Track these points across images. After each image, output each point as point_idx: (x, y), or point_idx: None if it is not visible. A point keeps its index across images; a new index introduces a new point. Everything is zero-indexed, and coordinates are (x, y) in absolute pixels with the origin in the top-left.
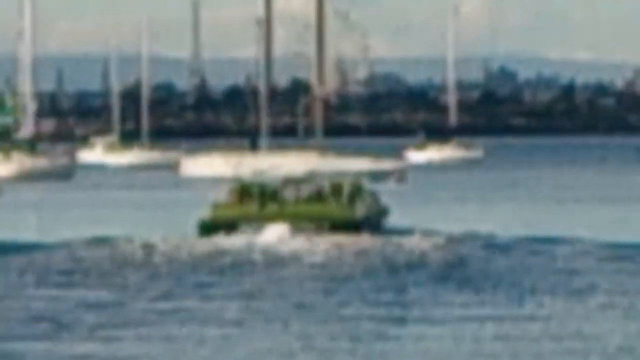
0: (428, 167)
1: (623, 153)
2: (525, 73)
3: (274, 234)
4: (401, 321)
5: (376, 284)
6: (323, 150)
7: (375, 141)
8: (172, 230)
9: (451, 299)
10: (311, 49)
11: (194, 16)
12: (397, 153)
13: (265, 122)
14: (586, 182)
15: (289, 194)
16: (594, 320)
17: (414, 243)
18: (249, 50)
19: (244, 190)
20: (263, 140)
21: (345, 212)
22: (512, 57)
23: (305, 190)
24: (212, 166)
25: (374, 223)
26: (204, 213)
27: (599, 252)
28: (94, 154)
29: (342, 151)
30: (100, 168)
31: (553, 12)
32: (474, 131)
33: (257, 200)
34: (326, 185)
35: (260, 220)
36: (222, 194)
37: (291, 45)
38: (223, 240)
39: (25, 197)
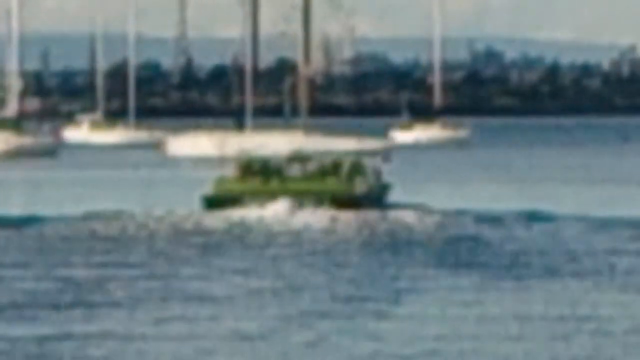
0: (414, 147)
1: (608, 134)
2: (510, 53)
3: (276, 209)
4: (392, 300)
5: (366, 258)
6: (308, 129)
7: (360, 121)
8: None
9: (445, 277)
10: (297, 29)
11: None
12: (382, 133)
13: (250, 101)
14: (571, 162)
15: (293, 170)
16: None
17: (410, 219)
18: (235, 30)
19: (249, 166)
20: (248, 120)
21: (345, 188)
22: (498, 37)
23: (311, 166)
24: (198, 145)
25: (375, 199)
26: (209, 188)
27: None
28: (79, 133)
29: (327, 131)
30: (85, 147)
31: None
32: (459, 111)
33: (261, 176)
34: (331, 162)
35: (262, 196)
36: (205, 173)
37: (277, 25)
38: (225, 215)
39: (11, 175)
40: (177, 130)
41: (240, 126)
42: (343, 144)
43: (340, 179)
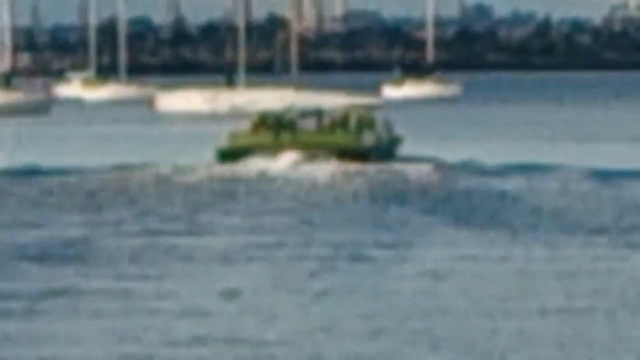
0: (405, 103)
1: (599, 89)
2: (501, 9)
3: (285, 162)
4: (382, 245)
5: (360, 210)
6: (299, 86)
7: (351, 77)
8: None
9: (440, 228)
10: None
11: None
12: (374, 89)
13: (242, 57)
14: (563, 118)
15: (307, 124)
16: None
17: (415, 171)
18: None
19: (264, 120)
20: (240, 76)
21: (352, 141)
22: None
23: (324, 120)
24: (189, 101)
25: (384, 151)
26: (223, 141)
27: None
28: (70, 89)
29: (318, 87)
30: (76, 103)
31: None
32: (450, 67)
33: (273, 129)
34: (341, 116)
35: (273, 149)
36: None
37: None
38: (236, 167)
39: (2, 130)
40: (169, 86)
41: (231, 83)
42: (334, 100)
43: (348, 132)
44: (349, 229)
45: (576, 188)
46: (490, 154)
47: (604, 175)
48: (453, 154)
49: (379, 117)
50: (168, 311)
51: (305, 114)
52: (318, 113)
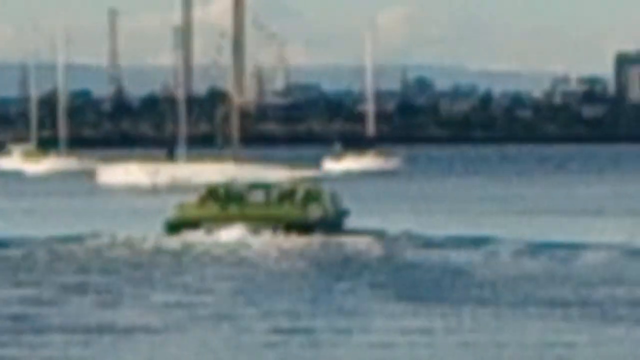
0: (345, 177)
1: (540, 163)
2: (442, 83)
3: (232, 234)
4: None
5: (298, 285)
6: (240, 159)
7: (293, 151)
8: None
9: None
10: (229, 58)
11: (111, 23)
12: (314, 162)
13: (182, 130)
14: (504, 192)
15: (256, 196)
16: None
17: (360, 244)
18: (167, 58)
19: (213, 192)
20: (181, 149)
21: (299, 214)
22: (430, 67)
23: (272, 193)
24: (129, 174)
25: (331, 224)
26: (171, 213)
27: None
28: (10, 161)
29: (259, 160)
30: (16, 175)
31: (471, 23)
32: (391, 141)
33: (221, 201)
34: (288, 189)
35: (221, 221)
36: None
37: (209, 54)
38: (183, 239)
39: None
40: (109, 159)
41: (171, 156)
42: (275, 174)
43: (295, 205)
44: (290, 302)
45: (513, 260)
46: (432, 226)
47: (540, 248)
48: (396, 227)
49: (326, 190)
50: None
51: (253, 187)
52: (266, 186)
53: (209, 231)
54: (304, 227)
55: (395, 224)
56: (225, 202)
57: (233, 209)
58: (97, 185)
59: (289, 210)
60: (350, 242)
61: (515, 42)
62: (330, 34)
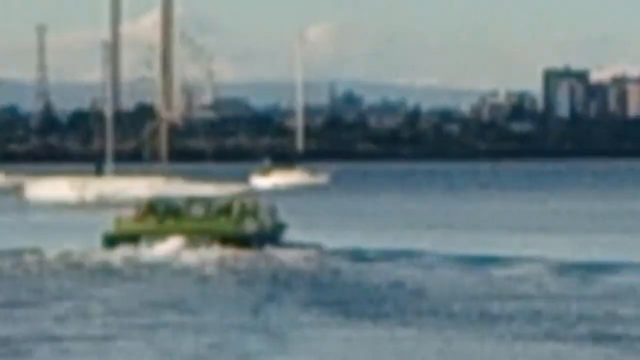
0: (273, 192)
1: (470, 179)
2: (370, 98)
3: (169, 248)
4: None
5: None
6: (168, 174)
7: (221, 166)
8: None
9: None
10: (157, 74)
11: (39, 39)
12: (242, 178)
13: (110, 146)
14: (431, 207)
15: (194, 211)
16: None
17: (292, 258)
18: (95, 74)
19: (151, 207)
20: (108, 165)
21: (234, 228)
22: (358, 82)
23: (214, 207)
24: (57, 190)
25: (268, 238)
26: (109, 227)
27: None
28: None
29: (187, 176)
30: None
31: (399, 39)
32: (320, 156)
33: (158, 216)
34: (226, 203)
35: (158, 235)
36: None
37: (137, 70)
38: (121, 253)
39: None
40: (37, 174)
41: (99, 171)
42: (202, 190)
43: (231, 219)
44: (219, 315)
45: (442, 274)
46: (363, 241)
47: (468, 262)
48: (327, 242)
49: (263, 204)
50: None
51: (192, 201)
52: (205, 200)
53: (148, 245)
54: (240, 241)
55: (326, 239)
56: (163, 216)
57: (171, 223)
58: (24, 200)
59: (225, 224)
60: (286, 256)
61: (444, 57)
62: (258, 49)
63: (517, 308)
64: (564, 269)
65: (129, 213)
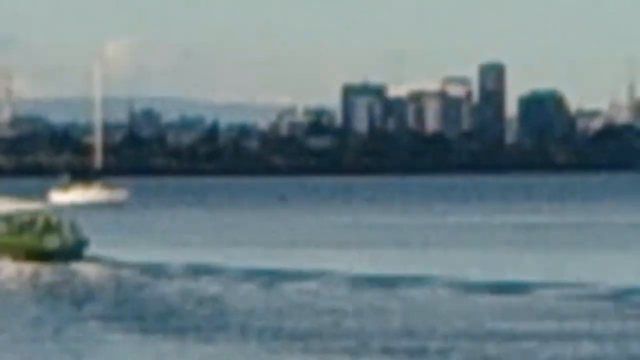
0: (72, 209)
1: (265, 194)
2: (169, 114)
3: None
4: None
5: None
6: None
7: (20, 182)
8: None
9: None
10: None
11: None
12: (41, 194)
13: None
14: (230, 221)
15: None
16: None
17: (94, 274)
18: None
19: None
20: None
21: (37, 242)
22: (157, 98)
23: (15, 223)
24: None
25: (70, 253)
26: None
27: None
28: None
29: None
30: None
31: (198, 54)
32: (119, 172)
33: None
34: (29, 219)
35: None
36: None
37: None
38: None
39: None
40: None
41: None
42: (2, 206)
43: (34, 234)
44: (21, 330)
45: (239, 290)
46: (160, 256)
47: (264, 276)
48: (128, 257)
49: (66, 220)
50: None
51: None
52: (8, 216)
53: None
54: (42, 256)
55: (125, 254)
56: None
57: None
58: None
59: (27, 240)
60: (88, 271)
61: (241, 73)
62: (58, 66)
63: (312, 322)
64: (357, 282)
65: None
